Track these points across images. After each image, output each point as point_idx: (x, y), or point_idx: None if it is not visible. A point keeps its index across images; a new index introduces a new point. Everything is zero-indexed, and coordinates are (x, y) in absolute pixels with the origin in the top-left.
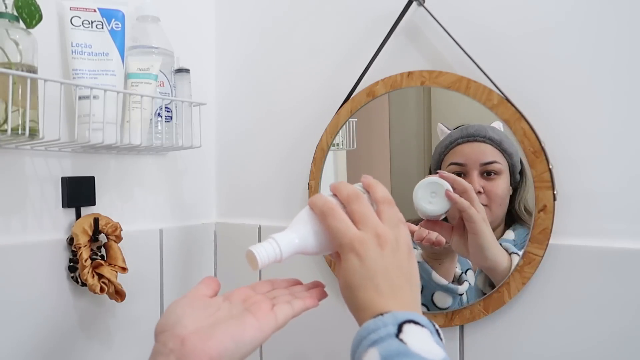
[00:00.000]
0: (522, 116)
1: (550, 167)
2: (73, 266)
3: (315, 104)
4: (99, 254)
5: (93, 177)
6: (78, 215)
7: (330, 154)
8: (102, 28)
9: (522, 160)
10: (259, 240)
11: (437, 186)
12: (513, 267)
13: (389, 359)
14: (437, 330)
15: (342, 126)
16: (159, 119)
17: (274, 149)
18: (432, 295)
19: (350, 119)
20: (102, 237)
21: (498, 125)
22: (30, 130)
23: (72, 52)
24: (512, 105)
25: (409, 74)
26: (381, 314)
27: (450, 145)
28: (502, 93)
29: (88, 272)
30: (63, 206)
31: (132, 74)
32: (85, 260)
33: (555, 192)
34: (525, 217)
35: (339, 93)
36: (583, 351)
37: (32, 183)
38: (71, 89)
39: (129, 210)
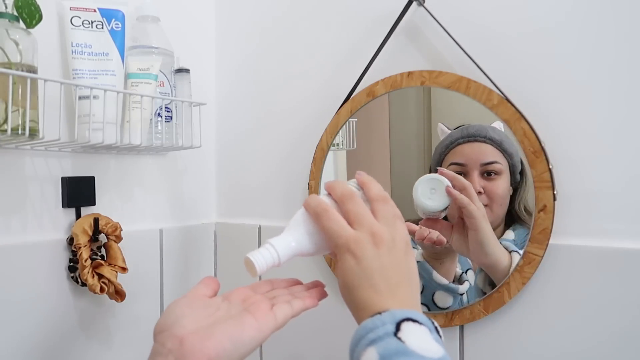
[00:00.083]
0: (522, 116)
1: (550, 167)
2: (73, 266)
3: (315, 104)
4: (99, 254)
5: (93, 177)
6: (78, 215)
7: (330, 154)
8: (102, 28)
9: (522, 161)
10: (259, 241)
11: (437, 183)
12: (513, 267)
13: (388, 358)
14: (436, 328)
15: (342, 126)
16: (159, 119)
17: (274, 149)
18: (433, 295)
19: (350, 119)
20: (102, 237)
21: (498, 125)
22: (30, 130)
23: (72, 52)
24: (512, 105)
25: (409, 74)
26: (379, 313)
27: (451, 145)
28: (502, 93)
29: (88, 272)
30: (63, 206)
31: (132, 74)
32: (85, 260)
33: (555, 192)
34: (525, 217)
35: (339, 93)
36: (583, 351)
37: (32, 183)
38: (71, 89)
39: (129, 210)
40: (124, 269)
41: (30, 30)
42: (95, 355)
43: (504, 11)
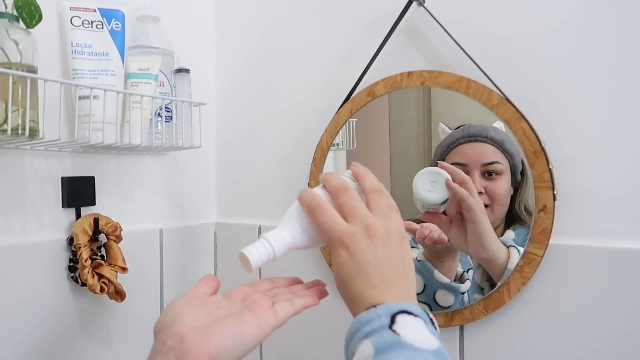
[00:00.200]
0: (522, 116)
1: (550, 167)
2: (73, 266)
3: (315, 104)
4: (99, 254)
5: (93, 177)
6: (78, 215)
7: (330, 154)
8: (102, 28)
9: (523, 161)
10: None
11: (437, 175)
12: (512, 263)
13: (382, 350)
14: (431, 320)
15: (342, 126)
16: (159, 119)
17: (274, 149)
18: (435, 294)
19: (350, 119)
20: (102, 237)
21: (500, 125)
22: (30, 130)
23: (72, 52)
24: (512, 105)
25: (409, 74)
26: (374, 306)
27: (452, 145)
28: (502, 93)
29: (88, 272)
30: (63, 206)
31: (132, 74)
32: (85, 260)
33: (555, 192)
34: (525, 217)
35: (339, 93)
36: (583, 351)
37: (32, 183)
38: (71, 89)
39: (129, 210)
40: (124, 269)
41: (30, 30)
42: (95, 355)
43: (504, 11)
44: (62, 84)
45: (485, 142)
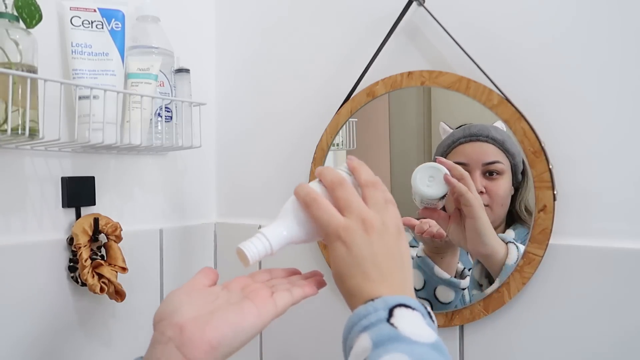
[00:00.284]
0: (522, 116)
1: (550, 167)
2: (73, 266)
3: (315, 104)
4: (99, 254)
5: (93, 177)
6: (78, 215)
7: (330, 154)
8: (102, 28)
9: (524, 160)
10: None
11: (435, 171)
12: (512, 262)
13: (380, 344)
14: (429, 313)
15: (342, 126)
16: (159, 119)
17: (274, 149)
18: (435, 290)
19: (350, 119)
20: (102, 237)
21: (501, 125)
22: (30, 130)
23: (72, 52)
24: (512, 105)
25: (409, 74)
26: (372, 300)
27: (453, 144)
28: (502, 93)
29: (88, 272)
30: (63, 206)
31: (132, 74)
32: (85, 260)
33: (555, 192)
34: (526, 217)
35: (339, 93)
36: (583, 351)
37: (32, 183)
38: (71, 89)
39: (129, 210)
40: (124, 269)
41: (30, 30)
42: (95, 355)
43: (504, 11)
44: (62, 84)
45: (487, 141)
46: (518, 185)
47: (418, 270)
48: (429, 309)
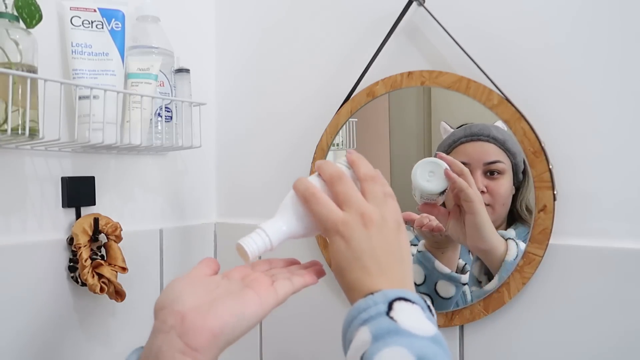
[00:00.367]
0: (522, 116)
1: (550, 167)
2: (73, 266)
3: (315, 104)
4: (99, 254)
5: (93, 177)
6: (78, 215)
7: (330, 154)
8: (102, 28)
9: (525, 160)
10: None
11: (436, 166)
12: (511, 258)
13: (380, 337)
14: (428, 306)
15: (342, 126)
16: (159, 119)
17: (274, 149)
18: (436, 285)
19: (350, 119)
20: (102, 237)
21: (501, 124)
22: (30, 130)
23: (72, 52)
24: (512, 105)
25: (409, 74)
26: (372, 293)
27: (454, 144)
28: (502, 93)
29: (88, 272)
30: (63, 206)
31: (132, 74)
32: (85, 260)
33: (555, 192)
34: (527, 217)
35: (339, 93)
36: (583, 351)
37: (32, 183)
38: (71, 89)
39: (129, 210)
40: (124, 269)
41: (30, 30)
42: (95, 355)
43: (504, 12)
44: (62, 84)
45: (488, 141)
46: (519, 184)
47: (419, 265)
48: (428, 302)
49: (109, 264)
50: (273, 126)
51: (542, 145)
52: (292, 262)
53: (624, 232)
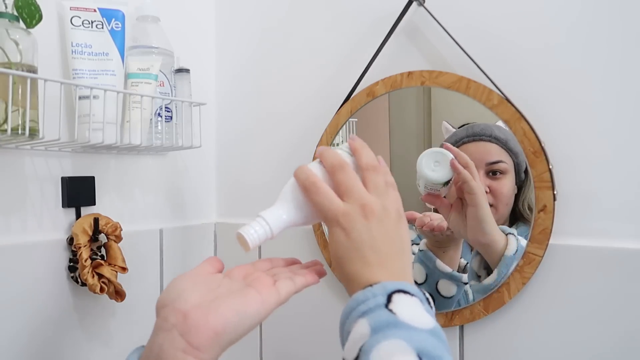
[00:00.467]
0: (522, 116)
1: (550, 167)
2: (73, 266)
3: (315, 104)
4: (99, 254)
5: (93, 177)
6: (78, 215)
7: None
8: (102, 28)
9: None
10: None
11: (441, 156)
12: (511, 253)
13: (378, 329)
14: (427, 299)
15: (342, 126)
16: (159, 119)
17: (274, 148)
18: (437, 284)
19: (350, 119)
20: (102, 237)
21: (502, 124)
22: (30, 130)
23: (72, 52)
24: (512, 105)
25: (409, 74)
26: (370, 285)
27: (455, 144)
28: (502, 93)
29: (88, 272)
30: (63, 206)
31: (132, 74)
32: (85, 260)
33: (555, 192)
34: (529, 216)
35: (339, 93)
36: (583, 351)
37: (32, 183)
38: (71, 89)
39: (129, 210)
40: (124, 269)
41: (30, 30)
42: (95, 355)
43: (504, 12)
44: (62, 84)
45: (490, 141)
46: (521, 184)
47: (420, 264)
48: (427, 295)
49: (109, 264)
50: (273, 126)
51: (542, 145)
52: (293, 262)
53: (624, 232)
